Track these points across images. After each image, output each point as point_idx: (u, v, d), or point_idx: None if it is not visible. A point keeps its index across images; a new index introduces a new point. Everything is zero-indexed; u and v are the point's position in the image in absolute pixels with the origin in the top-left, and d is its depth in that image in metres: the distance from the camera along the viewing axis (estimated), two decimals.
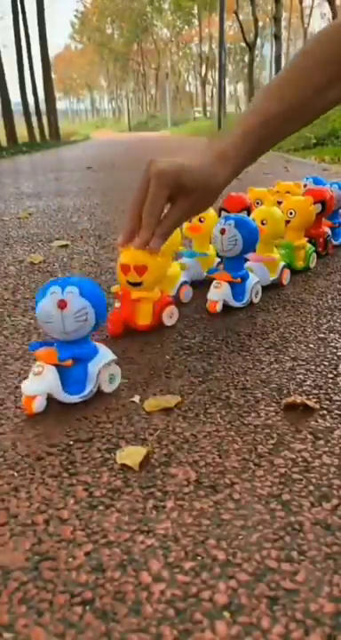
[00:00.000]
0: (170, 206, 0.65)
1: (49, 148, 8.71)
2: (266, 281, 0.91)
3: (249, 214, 0.97)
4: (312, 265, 1.06)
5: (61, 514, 0.41)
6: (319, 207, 1.05)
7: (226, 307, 0.83)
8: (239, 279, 0.83)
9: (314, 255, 1.06)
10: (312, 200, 1.00)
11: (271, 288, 0.93)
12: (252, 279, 0.85)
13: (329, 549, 0.37)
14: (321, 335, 0.73)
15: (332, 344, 0.70)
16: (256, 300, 0.87)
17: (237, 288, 0.83)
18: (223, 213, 1.02)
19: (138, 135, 18.17)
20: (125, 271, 0.67)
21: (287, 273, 0.96)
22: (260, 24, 18.77)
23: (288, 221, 0.97)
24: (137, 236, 0.64)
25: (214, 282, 0.83)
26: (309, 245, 1.04)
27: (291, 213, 0.98)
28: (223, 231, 0.79)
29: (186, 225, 0.93)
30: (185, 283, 0.88)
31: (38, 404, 0.54)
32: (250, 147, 0.64)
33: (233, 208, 1.01)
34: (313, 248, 1.06)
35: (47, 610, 0.33)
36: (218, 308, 0.82)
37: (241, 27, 15.92)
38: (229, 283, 0.82)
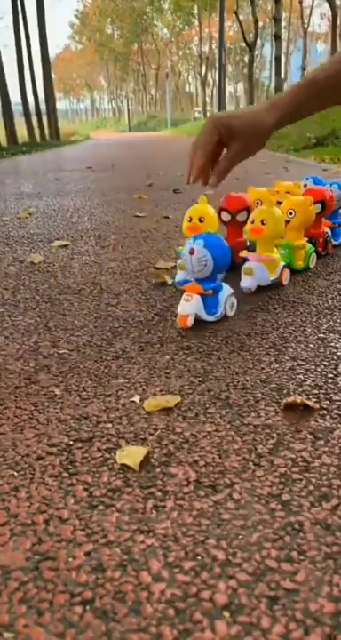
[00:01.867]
0: (225, 152, 0.75)
1: (49, 149, 8.71)
2: (266, 281, 0.91)
3: (249, 214, 0.97)
4: (312, 265, 1.06)
5: (61, 514, 0.41)
6: (319, 207, 1.05)
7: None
8: (211, 291, 0.77)
9: (314, 255, 1.06)
10: (312, 200, 1.00)
11: (271, 288, 0.93)
12: (226, 291, 0.80)
13: (329, 549, 0.37)
14: (321, 335, 0.73)
15: (332, 344, 0.70)
16: (231, 313, 0.82)
17: (209, 301, 0.78)
18: (223, 214, 1.02)
19: (139, 135, 18.17)
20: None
21: (287, 273, 0.96)
22: (260, 24, 18.77)
23: (288, 221, 0.97)
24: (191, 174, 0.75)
25: (184, 295, 0.77)
26: (309, 245, 1.04)
27: (291, 213, 0.98)
28: (192, 251, 0.74)
29: (185, 225, 0.93)
30: None
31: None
32: (298, 100, 0.75)
33: (234, 208, 1.01)
34: (313, 248, 1.06)
35: (47, 610, 0.33)
36: (189, 322, 0.76)
37: (241, 27, 15.90)
38: (201, 295, 0.77)
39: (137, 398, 0.58)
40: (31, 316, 0.84)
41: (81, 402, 0.58)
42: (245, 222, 0.97)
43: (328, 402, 0.56)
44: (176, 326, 0.78)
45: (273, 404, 0.56)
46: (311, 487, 0.43)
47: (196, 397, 0.58)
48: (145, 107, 50.77)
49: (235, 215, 1.01)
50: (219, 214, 1.01)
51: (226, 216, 1.02)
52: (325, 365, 0.64)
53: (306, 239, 1.04)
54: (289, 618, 0.32)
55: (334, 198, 1.10)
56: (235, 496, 0.42)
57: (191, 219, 0.92)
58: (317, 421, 0.53)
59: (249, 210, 1.00)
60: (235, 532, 0.39)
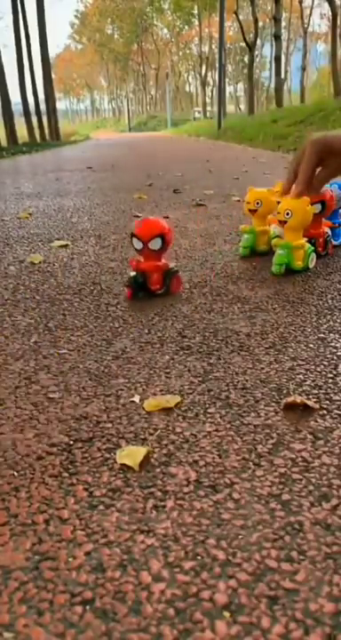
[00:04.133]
0: (320, 168, 0.91)
1: (49, 149, 8.72)
2: None
3: (164, 242, 0.88)
4: (311, 265, 1.05)
5: (61, 513, 0.41)
6: (319, 207, 1.05)
7: (223, 305, 0.83)
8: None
9: (314, 255, 1.06)
10: (309, 201, 0.99)
11: (271, 287, 0.93)
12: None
13: (329, 549, 0.37)
14: (321, 335, 0.73)
15: (332, 344, 0.70)
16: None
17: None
18: (135, 241, 0.88)
19: (139, 135, 18.17)
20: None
21: None
22: (260, 24, 18.78)
23: (284, 222, 0.97)
24: (293, 188, 0.93)
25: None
26: (308, 245, 1.04)
27: (288, 214, 0.97)
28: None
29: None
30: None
31: None
32: None
33: (145, 234, 0.87)
34: (313, 248, 1.05)
35: (47, 609, 0.33)
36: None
37: (241, 27, 15.90)
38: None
39: (137, 398, 0.58)
40: (31, 316, 0.84)
41: (81, 402, 0.58)
42: (160, 251, 0.89)
43: (328, 402, 0.56)
44: (176, 326, 0.78)
45: (273, 404, 0.56)
46: (311, 487, 0.43)
47: (196, 397, 0.58)
48: (145, 107, 50.76)
49: (147, 242, 0.87)
50: (131, 241, 0.90)
51: (137, 243, 0.88)
52: (325, 365, 0.64)
53: (306, 239, 1.04)
54: (289, 618, 0.32)
55: (334, 198, 1.10)
56: (235, 496, 0.42)
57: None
58: (317, 421, 0.53)
59: (164, 237, 0.87)
60: (235, 532, 0.39)
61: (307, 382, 0.60)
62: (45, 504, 0.42)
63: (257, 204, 1.09)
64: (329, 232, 1.16)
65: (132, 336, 0.75)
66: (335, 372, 0.62)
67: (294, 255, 1.01)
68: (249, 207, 1.11)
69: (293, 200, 0.99)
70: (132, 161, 4.84)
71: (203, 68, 34.45)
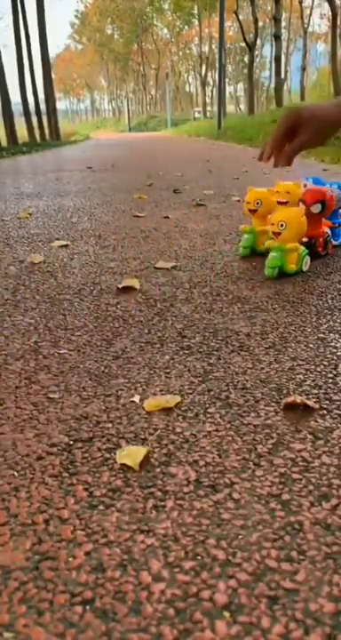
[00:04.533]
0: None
1: (49, 149, 8.72)
2: None
3: None
4: (305, 268, 1.04)
5: (61, 513, 0.41)
6: (319, 207, 1.05)
7: (223, 305, 0.83)
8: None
9: (308, 258, 1.04)
10: (303, 211, 0.99)
11: (271, 287, 0.93)
12: None
13: (329, 549, 0.37)
14: (321, 335, 0.73)
15: (332, 344, 0.70)
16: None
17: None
18: None
19: (139, 135, 18.17)
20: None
21: None
22: (260, 24, 18.77)
23: (279, 233, 0.96)
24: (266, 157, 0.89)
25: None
26: (302, 248, 1.02)
27: (282, 225, 0.96)
28: None
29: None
30: None
31: None
32: None
33: None
34: (307, 251, 1.04)
35: (47, 609, 0.33)
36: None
37: (241, 27, 15.89)
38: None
39: (137, 398, 0.58)
40: (31, 316, 0.84)
41: (81, 402, 0.58)
42: None
43: (328, 402, 0.56)
44: (176, 326, 0.78)
45: (273, 404, 0.56)
46: (311, 487, 0.43)
47: (196, 397, 0.58)
48: (145, 107, 50.76)
49: None
50: None
51: None
52: (325, 365, 0.64)
53: (306, 239, 1.04)
54: (289, 618, 0.32)
55: (334, 198, 1.10)
56: (235, 496, 0.42)
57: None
58: (317, 421, 0.53)
59: None
60: (235, 532, 0.39)
61: (307, 382, 0.60)
62: (45, 504, 0.42)
63: (257, 204, 1.09)
64: (329, 232, 1.16)
65: (132, 336, 0.75)
66: (335, 372, 0.62)
67: (287, 258, 0.99)
68: (249, 207, 1.11)
69: (287, 210, 0.98)
70: (132, 161, 4.84)
71: (203, 67, 34.44)
